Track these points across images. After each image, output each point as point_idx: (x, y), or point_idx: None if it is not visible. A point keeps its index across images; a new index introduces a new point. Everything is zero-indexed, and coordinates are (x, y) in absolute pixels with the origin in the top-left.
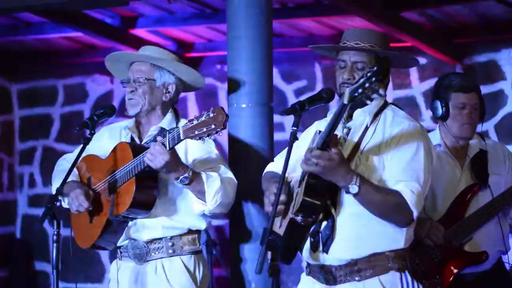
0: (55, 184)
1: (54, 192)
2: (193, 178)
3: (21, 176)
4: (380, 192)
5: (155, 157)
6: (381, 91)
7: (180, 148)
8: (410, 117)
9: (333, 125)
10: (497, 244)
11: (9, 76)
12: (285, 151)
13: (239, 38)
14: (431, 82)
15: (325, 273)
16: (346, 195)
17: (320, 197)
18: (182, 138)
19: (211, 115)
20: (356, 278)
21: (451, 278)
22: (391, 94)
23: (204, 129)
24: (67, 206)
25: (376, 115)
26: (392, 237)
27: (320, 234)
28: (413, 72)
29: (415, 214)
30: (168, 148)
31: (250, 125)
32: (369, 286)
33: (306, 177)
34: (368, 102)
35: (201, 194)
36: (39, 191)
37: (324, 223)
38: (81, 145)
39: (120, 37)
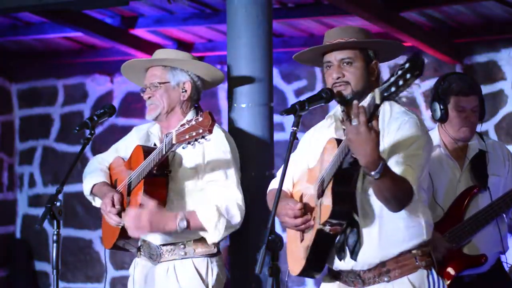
0: (87, 185)
1: (86, 192)
2: (189, 218)
3: (21, 176)
4: (395, 180)
5: (131, 230)
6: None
7: (198, 152)
8: (407, 111)
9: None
10: (495, 246)
11: (9, 76)
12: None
13: (239, 38)
14: (431, 82)
15: (353, 277)
16: (366, 199)
17: (349, 203)
18: (174, 142)
19: (200, 119)
20: (385, 279)
21: (450, 281)
22: None
23: (194, 133)
24: (98, 206)
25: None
26: (414, 232)
27: (346, 242)
28: None
29: (414, 199)
30: (164, 153)
31: (250, 125)
32: (399, 286)
33: (330, 185)
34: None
35: (203, 231)
36: (39, 191)
37: (349, 230)
38: (82, 145)
39: (120, 37)
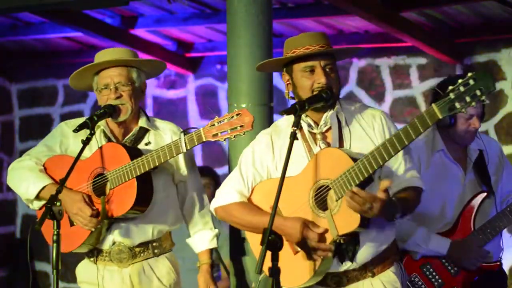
0: (32, 187)
1: (24, 195)
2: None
3: None
4: (407, 200)
5: None
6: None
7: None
8: (368, 105)
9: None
10: (499, 247)
11: (9, 76)
12: (230, 180)
13: (239, 38)
14: (431, 82)
15: (337, 277)
16: None
17: None
18: (204, 140)
19: (236, 116)
20: (370, 275)
21: None
22: (391, 94)
23: (229, 131)
24: (37, 209)
25: (339, 113)
26: (393, 228)
27: (345, 247)
28: (413, 72)
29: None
30: (184, 150)
31: None
32: (384, 279)
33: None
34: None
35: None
36: None
37: None
38: (82, 145)
39: (120, 37)
